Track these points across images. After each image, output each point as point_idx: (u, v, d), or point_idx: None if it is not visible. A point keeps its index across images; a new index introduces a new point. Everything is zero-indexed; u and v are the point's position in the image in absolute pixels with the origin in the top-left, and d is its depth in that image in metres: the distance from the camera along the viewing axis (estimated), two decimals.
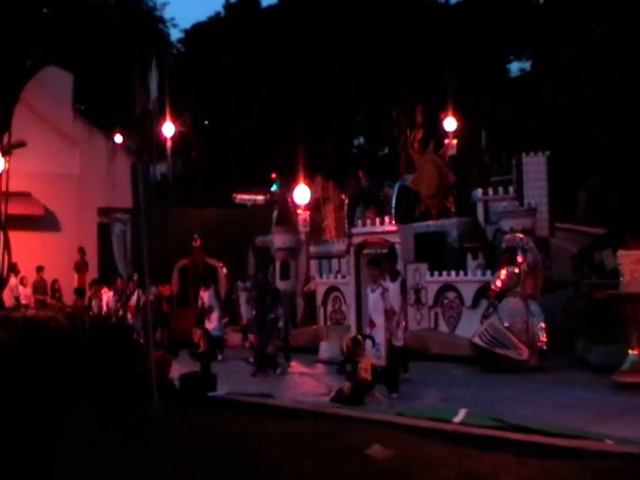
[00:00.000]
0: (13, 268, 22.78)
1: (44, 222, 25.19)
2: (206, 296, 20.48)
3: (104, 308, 21.88)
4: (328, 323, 21.60)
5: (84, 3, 44.77)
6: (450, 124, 30.05)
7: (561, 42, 40.62)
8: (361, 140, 56.00)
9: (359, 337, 14.37)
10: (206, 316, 20.44)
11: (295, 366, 17.94)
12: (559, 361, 16.57)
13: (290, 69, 45.14)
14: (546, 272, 18.46)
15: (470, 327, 17.94)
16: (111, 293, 22.08)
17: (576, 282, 18.85)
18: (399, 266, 19.99)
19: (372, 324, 14.29)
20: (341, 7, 47.18)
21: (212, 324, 20.18)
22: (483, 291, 18.25)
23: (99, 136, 28.19)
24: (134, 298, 21.06)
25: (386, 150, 50.57)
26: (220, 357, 19.94)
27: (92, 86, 38.78)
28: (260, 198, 49.22)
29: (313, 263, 23.34)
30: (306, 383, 16.66)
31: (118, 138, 38.41)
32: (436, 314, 19.82)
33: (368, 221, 21.55)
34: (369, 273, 15.21)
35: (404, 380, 14.91)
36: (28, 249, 23.43)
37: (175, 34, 71.62)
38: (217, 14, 56.50)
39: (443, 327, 19.65)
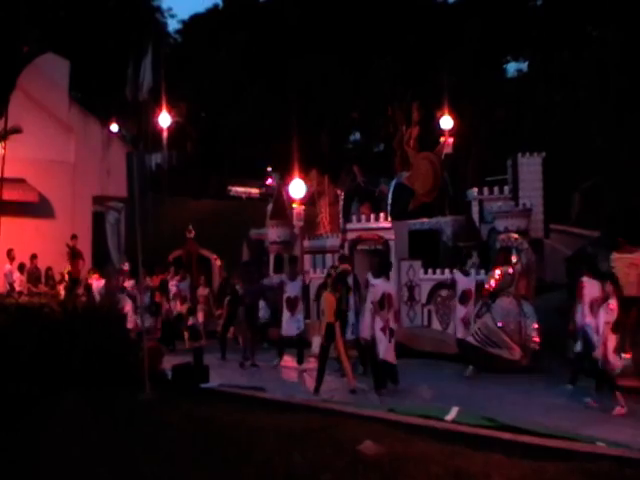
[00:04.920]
0: (9, 254, 22.67)
1: (38, 209, 25.04)
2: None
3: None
4: (321, 318, 21.50)
5: None
6: (446, 122, 29.94)
7: (558, 44, 40.62)
8: (357, 136, 55.92)
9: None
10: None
11: (287, 360, 17.92)
12: (551, 362, 16.58)
13: (287, 62, 45.06)
14: (539, 273, 18.48)
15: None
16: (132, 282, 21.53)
17: (569, 284, 18.86)
18: (393, 262, 20.14)
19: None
20: (339, 2, 47.13)
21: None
22: (477, 290, 18.25)
23: (95, 124, 28.01)
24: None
25: (381, 146, 50.54)
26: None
27: (89, 74, 38.64)
28: (255, 191, 49.15)
29: (307, 258, 23.30)
30: (298, 377, 16.65)
31: (114, 127, 38.32)
32: (429, 312, 19.82)
33: (363, 217, 21.58)
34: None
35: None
36: (22, 235, 23.31)
37: (173, 24, 71.58)
38: (215, 6, 56.35)
39: (436, 325, 19.66)
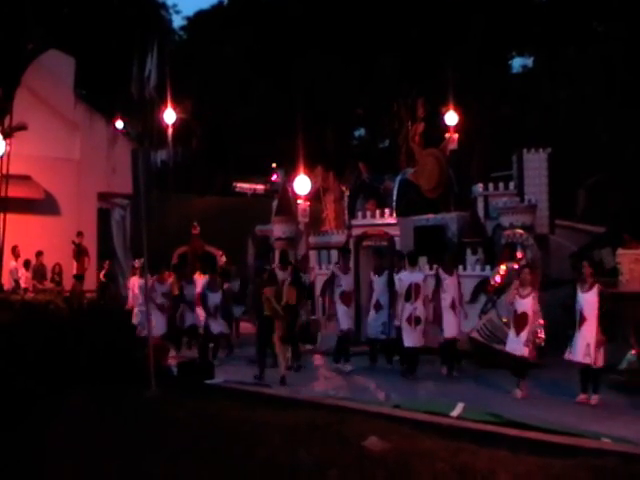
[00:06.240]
0: (14, 251, 22.70)
1: (44, 206, 25.11)
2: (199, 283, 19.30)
3: None
4: (327, 314, 21.43)
5: None
6: (451, 118, 29.88)
7: (563, 39, 40.50)
8: (362, 132, 55.87)
9: None
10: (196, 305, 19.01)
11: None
12: (556, 358, 16.54)
13: (292, 59, 45.00)
14: (545, 269, 18.45)
15: (468, 322, 17.90)
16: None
17: (575, 280, 18.81)
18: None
19: None
20: None
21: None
22: (482, 286, 18.22)
23: (100, 121, 28.09)
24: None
25: (387, 143, 50.49)
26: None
27: (94, 71, 38.64)
28: (260, 187, 49.17)
29: (312, 254, 23.27)
30: (303, 374, 16.64)
31: (119, 124, 38.32)
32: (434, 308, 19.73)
33: (368, 213, 21.57)
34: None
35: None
36: (28, 232, 23.37)
37: (178, 21, 71.66)
38: (220, 2, 56.31)
39: None
